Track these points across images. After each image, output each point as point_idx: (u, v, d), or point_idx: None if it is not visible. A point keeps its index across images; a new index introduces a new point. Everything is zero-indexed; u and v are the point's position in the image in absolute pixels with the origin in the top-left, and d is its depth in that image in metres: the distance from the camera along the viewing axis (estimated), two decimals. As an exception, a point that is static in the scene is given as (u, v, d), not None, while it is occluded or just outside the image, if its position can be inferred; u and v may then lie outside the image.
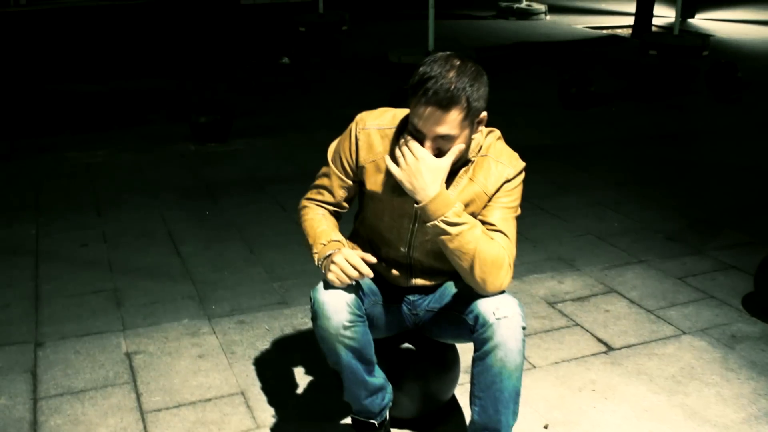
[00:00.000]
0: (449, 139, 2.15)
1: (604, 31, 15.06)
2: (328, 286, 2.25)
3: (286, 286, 3.98)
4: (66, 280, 4.05)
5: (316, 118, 7.83)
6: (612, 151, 6.76)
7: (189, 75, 9.82)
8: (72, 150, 6.57)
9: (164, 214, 5.03)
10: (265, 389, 3.06)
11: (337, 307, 2.22)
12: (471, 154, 2.31)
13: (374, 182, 2.36)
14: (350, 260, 2.21)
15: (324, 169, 2.48)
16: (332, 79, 10.07)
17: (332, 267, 2.23)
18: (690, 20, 16.23)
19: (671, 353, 3.34)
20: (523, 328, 2.23)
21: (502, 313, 2.20)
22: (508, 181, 2.32)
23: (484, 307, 2.23)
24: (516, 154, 2.37)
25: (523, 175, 2.36)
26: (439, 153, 2.17)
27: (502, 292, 2.28)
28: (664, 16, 16.32)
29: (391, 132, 2.34)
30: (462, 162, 2.29)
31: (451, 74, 2.10)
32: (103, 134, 7.18)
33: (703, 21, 16.73)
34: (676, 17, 10.82)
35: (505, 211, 2.31)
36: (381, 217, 2.42)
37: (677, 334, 3.51)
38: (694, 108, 8.56)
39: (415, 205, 2.19)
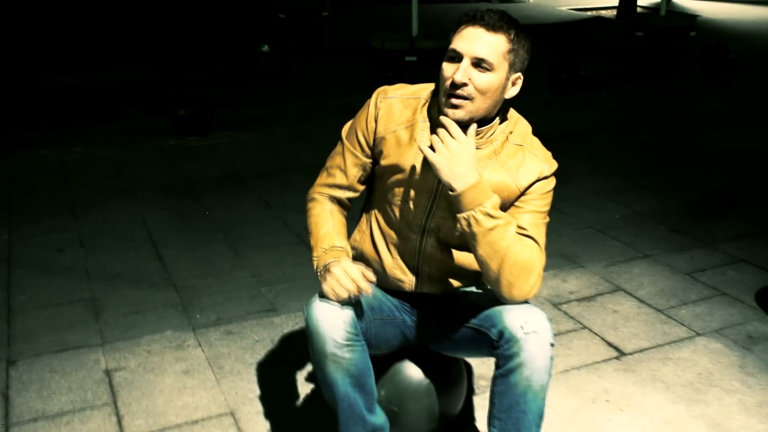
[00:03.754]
0: (485, 68, 1.97)
1: (589, 13, 14.89)
2: (324, 300, 2.04)
3: (274, 291, 3.75)
4: (40, 290, 3.81)
5: (299, 109, 7.59)
6: (606, 137, 6.57)
7: (167, 65, 9.54)
8: (46, 147, 6.31)
9: (144, 215, 4.79)
10: (256, 408, 2.84)
11: (333, 325, 2.01)
12: (499, 134, 2.11)
13: (394, 155, 2.15)
14: (349, 272, 2.01)
15: (336, 148, 2.30)
16: (314, 67, 9.84)
17: (328, 278, 2.03)
18: (674, 0, 16.08)
19: (686, 357, 3.15)
20: (552, 345, 2.02)
21: (531, 328, 1.99)
22: (542, 179, 2.12)
23: (510, 320, 2.02)
24: (550, 153, 2.18)
25: (554, 178, 2.16)
26: (467, 86, 1.97)
27: (526, 302, 2.07)
28: (648, -4, 16.18)
29: (415, 102, 2.17)
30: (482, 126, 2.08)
31: (501, 14, 2.02)
32: (78, 129, 6.92)
33: (687, 1, 16.61)
34: (662, -2, 10.65)
35: (537, 216, 2.11)
36: (392, 200, 2.21)
37: (691, 335, 3.32)
38: (687, 91, 8.39)
39: (450, 193, 1.98)
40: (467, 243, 2.07)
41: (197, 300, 3.69)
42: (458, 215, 2.00)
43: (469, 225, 1.98)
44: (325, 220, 2.24)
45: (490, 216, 1.97)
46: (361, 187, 2.30)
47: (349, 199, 2.31)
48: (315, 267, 2.15)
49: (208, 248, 4.29)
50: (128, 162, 5.95)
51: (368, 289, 2.01)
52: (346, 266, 2.03)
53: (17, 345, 3.30)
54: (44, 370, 3.11)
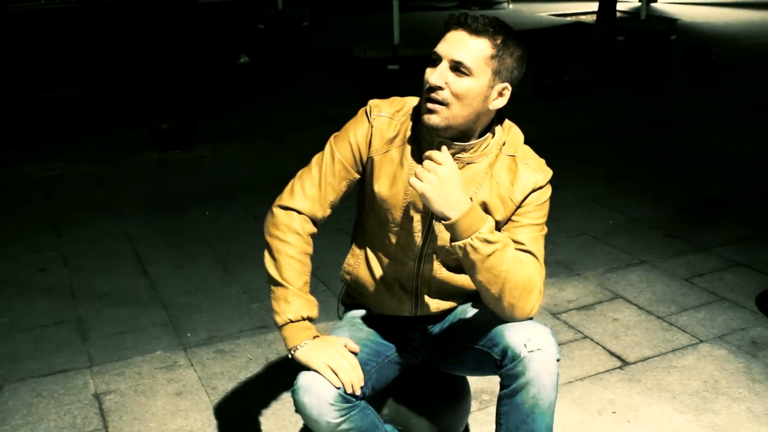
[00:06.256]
0: (463, 73, 1.87)
1: (569, 18, 14.91)
2: (307, 379, 1.90)
3: (266, 307, 3.65)
4: (24, 311, 3.69)
5: (282, 120, 7.51)
6: (594, 142, 6.53)
7: (147, 78, 9.42)
8: (26, 163, 6.18)
9: (129, 231, 4.68)
10: (253, 430, 2.75)
11: (322, 409, 1.87)
12: (493, 147, 2.01)
13: (386, 177, 2.04)
14: (349, 360, 1.93)
15: (325, 160, 2.09)
16: (295, 78, 9.75)
17: (322, 357, 1.92)
18: (653, 4, 16.16)
19: (691, 365, 3.09)
20: (558, 361, 1.95)
21: (534, 345, 1.91)
22: (536, 189, 2.02)
23: (513, 338, 1.93)
24: (543, 160, 2.08)
25: (550, 186, 2.06)
26: (443, 90, 1.88)
27: (530, 318, 1.99)
28: (627, 0, 16.25)
29: (405, 118, 2.06)
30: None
31: (491, 19, 1.92)
32: (58, 145, 6.78)
33: (666, 5, 16.69)
34: (642, 2, 10.66)
35: (534, 228, 2.01)
36: (386, 225, 2.09)
37: (694, 342, 3.26)
38: (671, 94, 8.38)
39: (443, 222, 1.85)
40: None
41: (187, 318, 3.59)
42: (454, 244, 1.87)
43: (467, 253, 1.86)
44: (295, 269, 2.05)
45: (488, 241, 1.85)
46: (332, 211, 2.14)
47: (323, 223, 2.14)
48: (281, 322, 2.02)
49: (195, 264, 4.19)
50: (111, 177, 5.83)
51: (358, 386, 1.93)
52: (344, 352, 1.95)
53: (2, 369, 3.19)
54: (30, 395, 3.00)
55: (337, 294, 2.51)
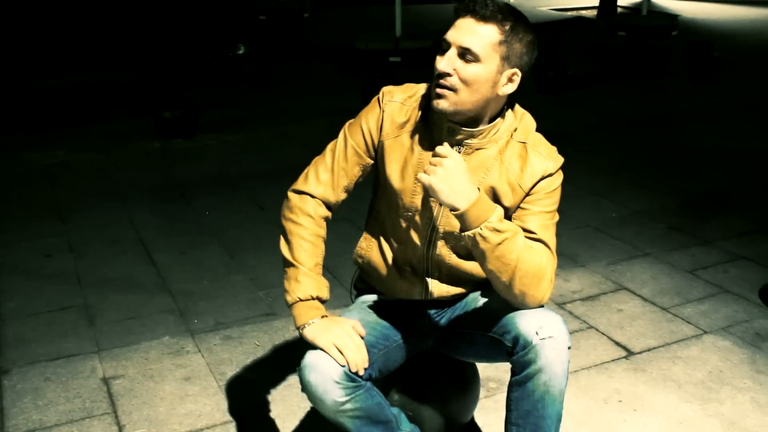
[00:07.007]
0: (470, 59, 1.88)
1: (569, 13, 14.92)
2: (314, 357, 1.92)
3: (272, 295, 3.67)
4: (30, 296, 3.70)
5: (285, 110, 7.50)
6: (597, 136, 6.55)
7: (148, 67, 9.41)
8: (28, 151, 6.18)
9: (133, 219, 4.69)
10: (262, 415, 2.77)
11: (327, 387, 1.89)
12: (503, 133, 2.03)
13: (396, 160, 2.06)
14: (354, 340, 1.94)
15: (338, 146, 2.12)
16: (297, 69, 9.75)
17: (328, 336, 1.93)
18: (654, 0, 16.17)
19: (696, 356, 3.11)
20: (569, 348, 1.96)
21: (546, 333, 1.92)
22: (546, 176, 2.03)
23: (525, 326, 1.95)
24: (554, 148, 2.09)
25: (561, 173, 2.07)
26: (451, 77, 1.90)
27: (541, 306, 2.00)
28: (627, -4, 16.26)
29: (416, 103, 2.07)
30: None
31: (500, 6, 1.91)
32: (61, 133, 6.78)
33: (667, 1, 16.71)
34: (643, -3, 10.68)
35: (545, 216, 2.03)
36: (398, 210, 2.11)
37: (698, 333, 3.28)
38: (673, 89, 8.40)
39: (453, 213, 1.87)
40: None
41: (194, 305, 3.60)
42: (464, 234, 1.89)
43: (476, 243, 1.88)
44: (306, 250, 2.08)
45: (497, 230, 1.86)
46: (346, 195, 2.16)
47: (338, 208, 2.17)
48: (291, 301, 2.04)
49: (201, 252, 4.20)
50: (114, 165, 5.84)
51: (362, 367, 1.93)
52: (350, 332, 1.96)
53: (9, 353, 3.20)
54: (39, 379, 3.01)
55: (343, 282, 2.53)
